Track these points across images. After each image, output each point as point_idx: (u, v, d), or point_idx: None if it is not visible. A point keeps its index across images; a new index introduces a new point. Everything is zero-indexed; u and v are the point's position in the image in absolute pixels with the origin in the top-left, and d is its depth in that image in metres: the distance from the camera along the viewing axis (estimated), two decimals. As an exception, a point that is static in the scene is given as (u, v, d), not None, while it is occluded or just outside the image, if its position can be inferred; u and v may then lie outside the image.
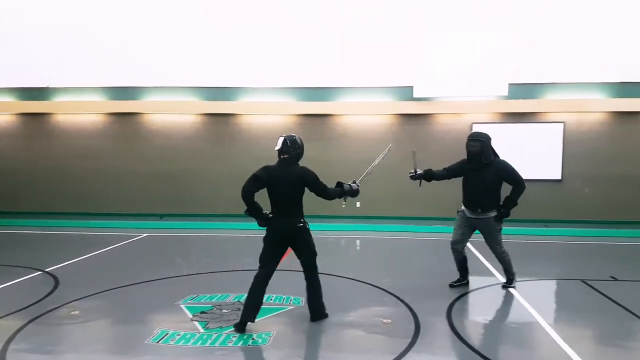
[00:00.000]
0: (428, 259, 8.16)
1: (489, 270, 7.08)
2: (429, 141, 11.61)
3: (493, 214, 5.77)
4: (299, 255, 4.89)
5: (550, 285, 6.52)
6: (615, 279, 6.63)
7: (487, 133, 5.92)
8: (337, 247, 9.15)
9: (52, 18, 12.24)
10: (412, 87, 11.40)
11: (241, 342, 4.39)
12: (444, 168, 6.12)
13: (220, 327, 4.71)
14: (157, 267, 7.26)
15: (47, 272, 6.87)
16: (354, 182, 5.12)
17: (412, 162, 6.11)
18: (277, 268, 4.78)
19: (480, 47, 10.96)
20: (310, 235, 4.87)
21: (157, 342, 4.38)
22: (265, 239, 4.80)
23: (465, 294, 5.96)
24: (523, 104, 11.07)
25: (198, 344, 4.35)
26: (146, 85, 12.21)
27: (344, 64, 11.67)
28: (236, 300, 5.57)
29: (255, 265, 7.09)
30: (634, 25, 10.77)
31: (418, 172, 6.00)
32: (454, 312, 5.27)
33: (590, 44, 10.90)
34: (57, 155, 12.49)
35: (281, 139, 4.80)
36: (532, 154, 10.72)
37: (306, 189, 4.83)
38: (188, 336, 4.50)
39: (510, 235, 9.74)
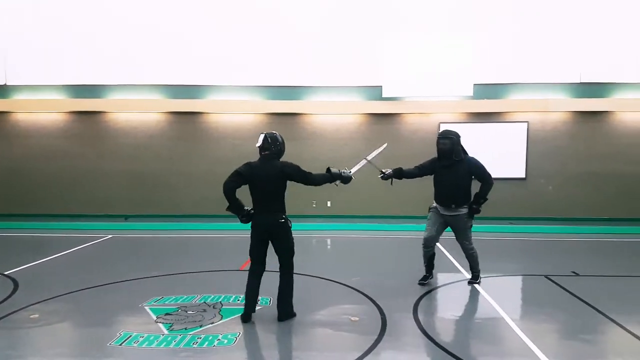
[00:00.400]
0: (395, 257, 8.24)
1: (455, 267, 7.19)
2: (398, 140, 11.71)
3: (465, 210, 5.93)
4: (277, 251, 4.92)
5: (515, 281, 6.65)
6: (576, 274, 6.82)
7: (457, 131, 6.04)
8: (307, 246, 9.13)
9: (9, 14, 11.85)
10: (381, 86, 11.50)
11: (206, 343, 4.31)
12: (415, 166, 6.17)
13: (185, 329, 4.62)
14: (122, 269, 7.10)
15: (5, 275, 6.63)
16: (346, 169, 5.17)
17: (374, 167, 6.07)
18: (246, 268, 4.76)
19: (447, 48, 11.15)
20: (290, 233, 4.90)
21: (120, 345, 4.27)
22: (250, 236, 4.88)
23: (432, 290, 6.03)
24: (488, 103, 11.31)
25: (162, 345, 4.26)
26: (109, 83, 11.94)
27: (314, 63, 11.70)
28: (202, 301, 5.48)
29: (220, 266, 7.13)
30: (594, 28, 11.12)
31: (387, 172, 6.00)
32: (420, 308, 5.31)
33: (552, 45, 11.23)
34: (16, 155, 12.12)
35: (262, 136, 4.85)
36: (497, 153, 10.94)
37: (289, 185, 4.86)
38: (152, 338, 4.41)
39: (476, 232, 9.91)
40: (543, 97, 11.26)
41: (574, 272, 6.90)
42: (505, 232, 10.33)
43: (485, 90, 11.37)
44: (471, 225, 6.07)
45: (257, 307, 5.26)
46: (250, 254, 4.94)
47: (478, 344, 4.47)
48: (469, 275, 6.59)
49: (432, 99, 11.46)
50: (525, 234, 10.26)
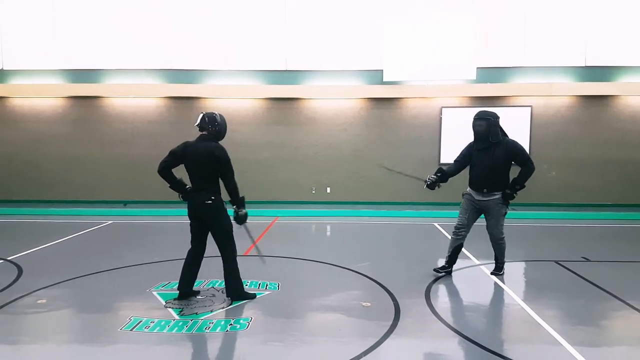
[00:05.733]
0: (398, 243, 8.16)
1: (464, 253, 7.10)
2: (398, 125, 11.62)
3: (499, 195, 5.56)
4: (212, 234, 4.89)
5: (525, 267, 6.58)
6: (587, 260, 6.76)
7: (494, 112, 5.65)
8: (308, 233, 9.05)
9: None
10: (381, 70, 11.34)
11: (219, 328, 4.23)
12: (455, 160, 5.84)
13: (196, 314, 4.54)
14: (125, 254, 6.98)
15: (9, 261, 6.53)
16: (243, 209, 4.93)
17: (411, 178, 6.11)
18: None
19: (450, 30, 10.98)
20: (222, 214, 4.83)
21: (131, 330, 4.18)
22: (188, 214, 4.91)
23: (442, 276, 5.94)
24: (491, 87, 11.18)
25: (174, 330, 4.18)
26: (107, 67, 11.71)
27: (313, 47, 11.50)
28: (210, 286, 5.41)
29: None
30: (599, 10, 10.97)
31: (432, 179, 5.74)
32: (432, 293, 5.26)
33: (557, 28, 11.08)
34: (13, 140, 11.92)
35: (200, 115, 4.86)
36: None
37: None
38: (163, 323, 4.32)
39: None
40: (547, 81, 11.14)
41: (584, 258, 6.84)
42: (508, 218, 10.16)
43: (489, 74, 11.24)
44: (505, 213, 5.68)
45: (266, 292, 5.20)
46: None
47: (494, 329, 4.41)
48: (477, 261, 6.54)
49: (434, 83, 11.31)
50: (528, 219, 10.21)
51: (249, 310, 4.67)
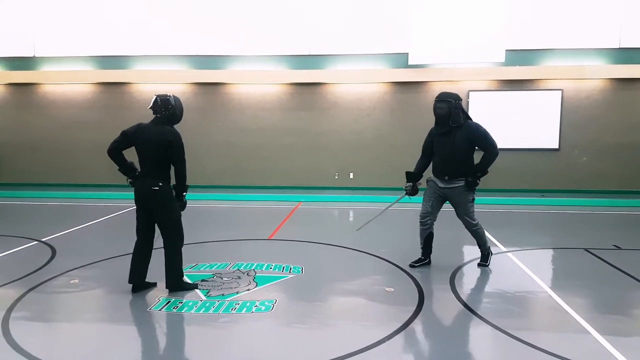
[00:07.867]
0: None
1: (490, 240, 7.01)
2: (424, 110, 11.41)
3: (462, 182, 5.25)
4: (157, 223, 4.66)
5: (554, 254, 6.46)
6: (618, 248, 6.58)
7: (457, 93, 5.36)
8: (330, 218, 9.07)
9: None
10: (407, 53, 11.18)
11: (244, 309, 4.31)
12: (422, 150, 5.66)
13: (223, 295, 4.63)
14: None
15: (43, 242, 6.73)
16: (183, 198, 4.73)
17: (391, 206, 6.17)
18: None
19: (477, 12, 10.73)
20: (171, 201, 4.59)
21: (160, 310, 4.30)
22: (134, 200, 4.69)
23: (467, 263, 5.87)
24: (520, 70, 10.91)
25: (201, 311, 4.27)
26: (134, 54, 11.86)
27: (336, 30, 11.40)
28: (235, 268, 5.48)
29: (248, 235, 7.12)
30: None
31: (409, 188, 5.60)
32: (456, 280, 5.21)
33: (589, 8, 10.71)
34: (45, 126, 12.26)
35: (153, 98, 4.63)
36: (529, 122, 10.63)
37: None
38: (191, 304, 4.42)
39: (506, 205, 9.78)
40: (579, 64, 10.81)
41: (615, 246, 6.65)
42: (537, 205, 10.06)
43: (518, 57, 10.95)
44: (473, 199, 5.35)
45: (290, 276, 5.25)
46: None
47: (521, 316, 4.32)
48: (504, 248, 6.45)
49: (461, 66, 11.10)
50: (559, 206, 9.96)
51: (274, 293, 4.73)
